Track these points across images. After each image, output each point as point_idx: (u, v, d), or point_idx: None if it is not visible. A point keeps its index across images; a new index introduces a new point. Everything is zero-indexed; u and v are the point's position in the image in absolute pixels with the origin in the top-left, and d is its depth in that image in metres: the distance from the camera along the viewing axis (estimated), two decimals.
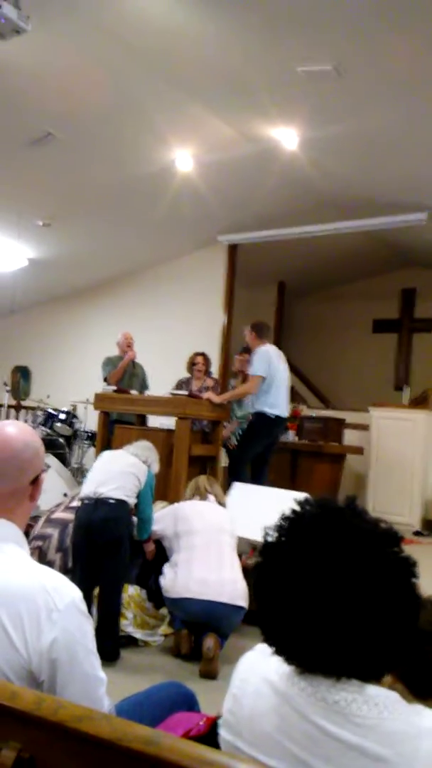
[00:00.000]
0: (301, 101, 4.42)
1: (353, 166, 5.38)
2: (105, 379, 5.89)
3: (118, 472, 3.46)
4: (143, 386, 6.01)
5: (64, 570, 3.65)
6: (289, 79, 4.07)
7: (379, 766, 0.82)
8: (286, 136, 4.86)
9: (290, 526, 0.94)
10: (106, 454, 3.76)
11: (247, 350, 5.46)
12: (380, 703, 0.85)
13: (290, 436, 6.00)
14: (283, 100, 4.42)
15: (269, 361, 4.87)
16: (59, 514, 4.06)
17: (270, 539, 0.95)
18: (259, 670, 0.97)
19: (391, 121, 4.56)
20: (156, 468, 3.72)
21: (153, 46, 3.96)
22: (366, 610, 0.85)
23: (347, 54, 3.80)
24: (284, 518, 0.95)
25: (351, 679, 0.88)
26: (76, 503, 3.80)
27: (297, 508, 0.95)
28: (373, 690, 0.87)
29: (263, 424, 4.86)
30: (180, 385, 5.65)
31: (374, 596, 0.86)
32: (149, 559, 3.76)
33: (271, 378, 4.84)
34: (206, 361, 5.80)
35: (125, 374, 5.90)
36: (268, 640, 0.94)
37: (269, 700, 0.92)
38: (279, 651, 0.93)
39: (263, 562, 0.95)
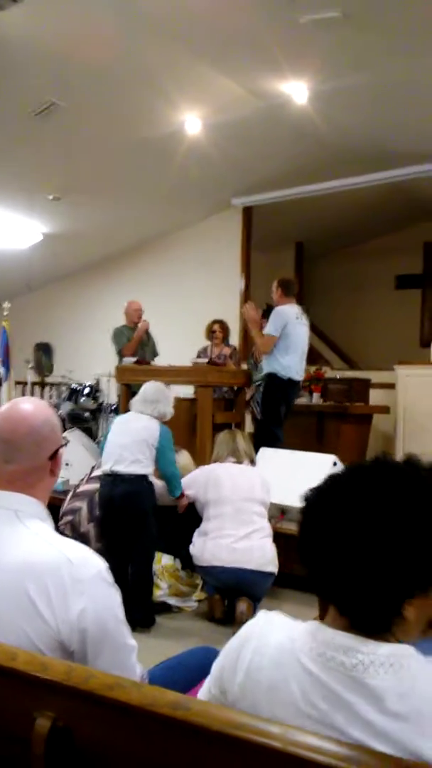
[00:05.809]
0: (310, 52, 4.25)
1: (367, 117, 5.19)
2: (119, 353, 5.73)
3: (130, 443, 3.45)
4: (154, 354, 5.86)
5: (99, 539, 3.70)
6: (297, 31, 3.91)
7: (402, 725, 0.83)
8: (297, 90, 4.70)
9: (346, 473, 0.98)
10: (117, 424, 3.67)
11: (267, 313, 5.31)
12: (395, 663, 0.86)
13: (315, 398, 5.95)
14: (292, 52, 4.25)
15: (286, 322, 4.69)
16: (84, 487, 4.11)
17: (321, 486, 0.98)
18: (271, 638, 0.96)
19: (406, 68, 4.36)
20: (170, 412, 3.64)
21: (155, 5, 3.83)
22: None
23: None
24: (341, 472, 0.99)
25: (368, 638, 0.89)
26: (97, 472, 3.84)
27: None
28: (388, 649, 0.88)
29: (276, 386, 4.70)
30: (199, 354, 5.62)
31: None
32: (180, 512, 3.74)
33: (288, 339, 4.69)
34: (224, 328, 5.73)
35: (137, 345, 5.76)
36: (322, 585, 0.95)
37: (286, 669, 0.92)
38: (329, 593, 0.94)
39: (313, 505, 0.96)
